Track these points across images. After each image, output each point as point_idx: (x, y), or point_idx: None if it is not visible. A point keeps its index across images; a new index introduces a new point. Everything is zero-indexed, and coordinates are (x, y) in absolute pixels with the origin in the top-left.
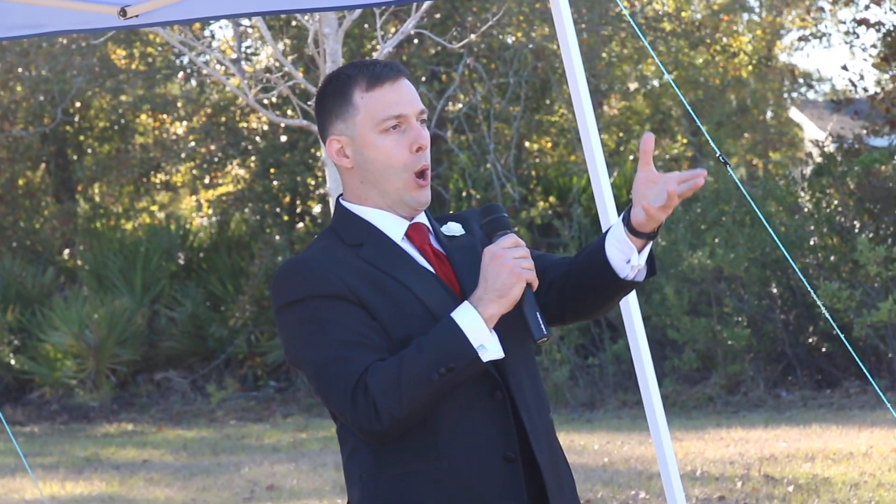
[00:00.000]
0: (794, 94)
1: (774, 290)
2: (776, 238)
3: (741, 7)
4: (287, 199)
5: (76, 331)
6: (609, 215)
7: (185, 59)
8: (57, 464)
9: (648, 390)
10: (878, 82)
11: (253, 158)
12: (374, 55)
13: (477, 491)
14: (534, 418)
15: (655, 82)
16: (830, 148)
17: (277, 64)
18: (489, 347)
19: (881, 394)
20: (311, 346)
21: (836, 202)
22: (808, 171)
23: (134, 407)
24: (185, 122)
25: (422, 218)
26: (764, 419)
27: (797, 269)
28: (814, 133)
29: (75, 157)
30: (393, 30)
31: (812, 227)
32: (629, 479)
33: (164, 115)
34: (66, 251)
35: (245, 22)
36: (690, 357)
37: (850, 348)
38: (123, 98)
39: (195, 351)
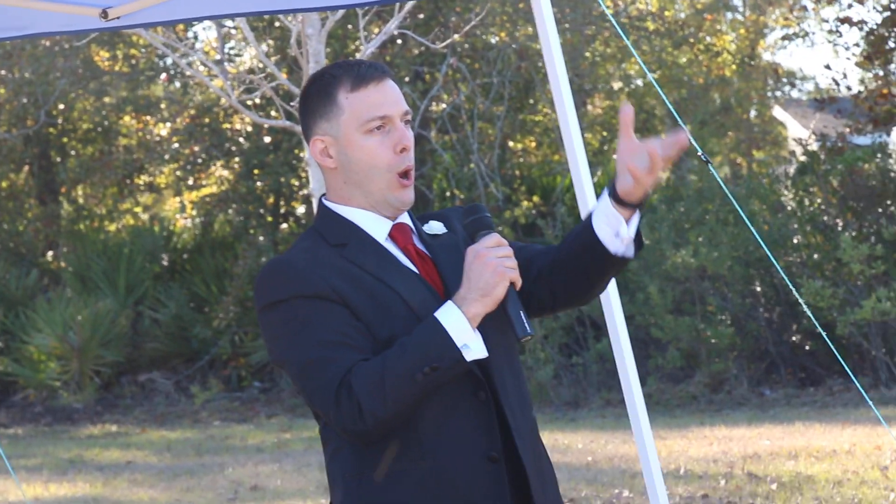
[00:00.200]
0: (778, 93)
1: (758, 289)
2: (759, 237)
3: (725, 6)
4: (271, 199)
5: (60, 332)
6: None
7: (169, 61)
8: (40, 465)
9: (631, 389)
10: (862, 81)
11: (236, 159)
12: (358, 56)
13: (461, 491)
14: (518, 418)
15: (639, 81)
16: (814, 146)
17: (261, 65)
18: (473, 347)
19: (864, 392)
20: (294, 346)
21: (819, 201)
22: (791, 169)
23: (118, 408)
24: (168, 124)
25: (405, 218)
26: (747, 417)
27: (780, 268)
28: (797, 132)
29: (59, 159)
30: (376, 30)
31: (795, 226)
32: (613, 477)
33: (148, 117)
34: (50, 253)
35: (228, 23)
36: (674, 356)
37: (832, 347)
38: (107, 100)
39: (179, 352)
